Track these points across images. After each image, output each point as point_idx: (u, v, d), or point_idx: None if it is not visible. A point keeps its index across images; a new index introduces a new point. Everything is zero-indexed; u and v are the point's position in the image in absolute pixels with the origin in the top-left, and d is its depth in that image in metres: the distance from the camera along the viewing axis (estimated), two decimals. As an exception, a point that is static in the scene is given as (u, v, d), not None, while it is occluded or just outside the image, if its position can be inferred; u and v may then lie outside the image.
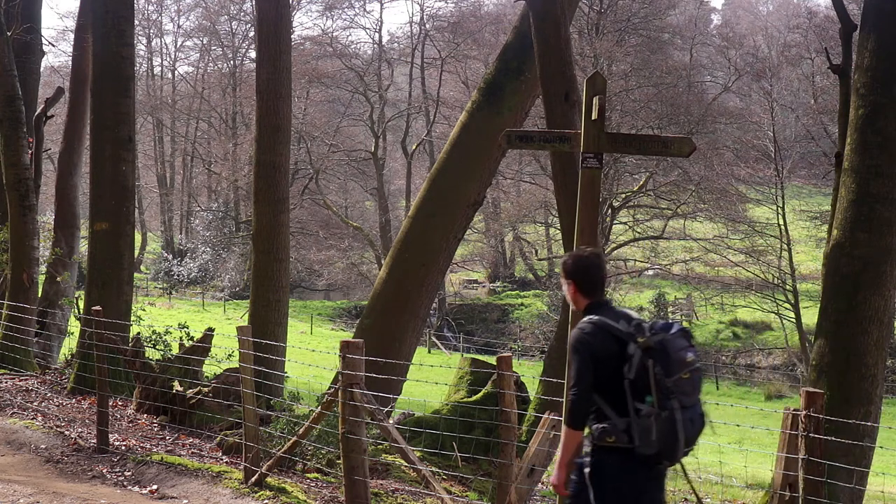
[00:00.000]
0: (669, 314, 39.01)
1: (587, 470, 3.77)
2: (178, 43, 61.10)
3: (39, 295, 12.98)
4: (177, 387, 8.87)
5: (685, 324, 39.77)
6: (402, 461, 6.19)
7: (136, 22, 36.77)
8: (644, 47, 38.60)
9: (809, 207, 38.07)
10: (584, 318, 3.83)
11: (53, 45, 53.38)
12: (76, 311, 13.37)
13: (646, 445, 3.61)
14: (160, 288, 47.40)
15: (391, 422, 6.58)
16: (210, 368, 10.10)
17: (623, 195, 37.84)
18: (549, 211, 42.54)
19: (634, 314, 3.84)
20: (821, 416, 4.25)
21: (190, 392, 8.78)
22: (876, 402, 6.72)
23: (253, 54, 46.74)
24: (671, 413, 3.57)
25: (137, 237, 42.18)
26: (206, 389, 8.77)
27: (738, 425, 7.66)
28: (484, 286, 52.05)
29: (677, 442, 3.59)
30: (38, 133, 13.94)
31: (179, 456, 7.39)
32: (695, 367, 3.64)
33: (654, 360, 3.60)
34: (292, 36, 16.66)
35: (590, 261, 3.98)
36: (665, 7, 41.44)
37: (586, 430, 3.81)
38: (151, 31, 58.66)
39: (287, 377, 10.47)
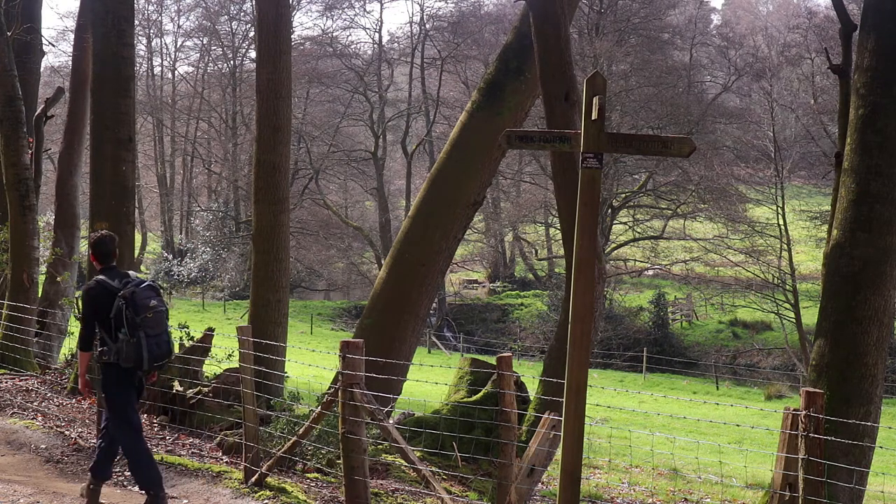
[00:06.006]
0: (669, 314, 38.99)
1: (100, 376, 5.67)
2: (178, 43, 61.14)
3: (39, 295, 12.98)
4: (177, 387, 8.86)
5: (684, 324, 39.98)
6: (402, 461, 6.19)
7: (136, 22, 36.77)
8: (644, 47, 38.66)
9: (809, 207, 38.02)
10: (93, 278, 5.67)
11: (53, 45, 53.30)
12: (76, 311, 13.36)
13: (124, 361, 5.49)
14: (160, 288, 47.33)
15: (391, 422, 6.58)
16: (210, 368, 10.09)
17: (623, 195, 37.88)
18: (549, 211, 42.57)
19: (132, 276, 5.67)
20: (821, 416, 4.25)
21: (190, 392, 8.78)
22: (876, 402, 6.72)
23: (253, 54, 46.75)
24: (139, 340, 5.46)
25: (137, 237, 42.13)
26: (206, 389, 8.76)
27: (738, 425, 7.69)
28: (484, 286, 52.04)
29: (142, 358, 5.48)
30: (38, 133, 13.92)
31: (179, 456, 7.39)
32: (157, 310, 5.56)
33: (126, 305, 5.46)
34: (292, 36, 16.65)
35: (101, 239, 5.79)
36: (665, 7, 41.50)
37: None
38: (151, 31, 58.62)
39: (287, 377, 10.45)
